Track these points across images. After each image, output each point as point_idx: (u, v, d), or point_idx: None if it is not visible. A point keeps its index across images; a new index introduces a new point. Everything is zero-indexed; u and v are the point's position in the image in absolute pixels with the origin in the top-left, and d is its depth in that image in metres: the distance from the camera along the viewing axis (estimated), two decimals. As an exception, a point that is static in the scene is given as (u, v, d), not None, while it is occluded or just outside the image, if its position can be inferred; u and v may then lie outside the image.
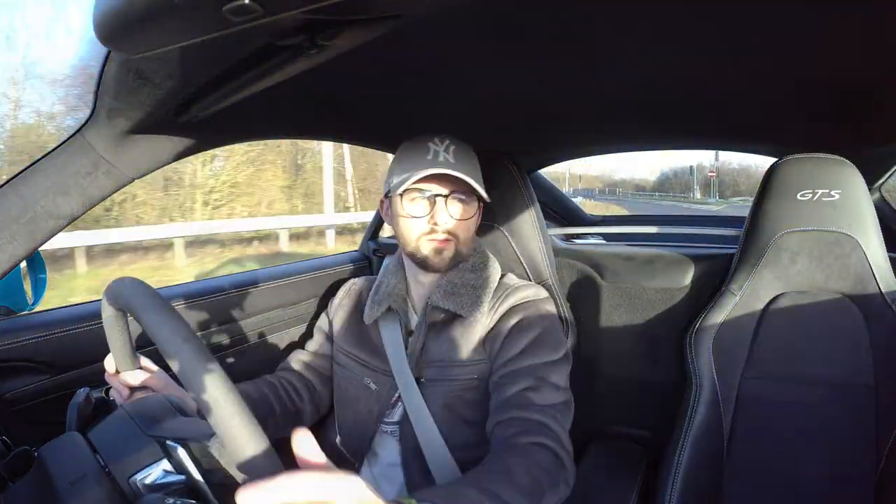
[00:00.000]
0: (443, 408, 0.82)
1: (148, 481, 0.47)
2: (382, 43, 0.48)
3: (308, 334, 1.13)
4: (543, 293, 0.89)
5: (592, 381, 1.28)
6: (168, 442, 0.48)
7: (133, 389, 0.66)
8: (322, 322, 1.01)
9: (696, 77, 0.69)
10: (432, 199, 0.80)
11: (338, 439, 0.91)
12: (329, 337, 0.98)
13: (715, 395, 1.00)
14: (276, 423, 0.86)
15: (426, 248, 0.82)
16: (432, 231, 0.81)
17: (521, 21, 0.51)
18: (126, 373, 0.64)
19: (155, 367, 0.69)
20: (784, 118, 0.90)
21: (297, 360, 0.97)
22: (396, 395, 0.86)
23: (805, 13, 0.49)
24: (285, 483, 0.35)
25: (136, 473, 0.47)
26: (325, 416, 0.98)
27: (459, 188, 0.81)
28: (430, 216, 0.80)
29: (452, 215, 0.81)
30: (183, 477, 0.47)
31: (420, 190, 0.80)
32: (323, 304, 1.05)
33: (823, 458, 0.93)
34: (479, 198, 0.85)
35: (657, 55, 0.61)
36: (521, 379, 0.77)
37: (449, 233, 0.81)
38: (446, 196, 0.80)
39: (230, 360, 1.11)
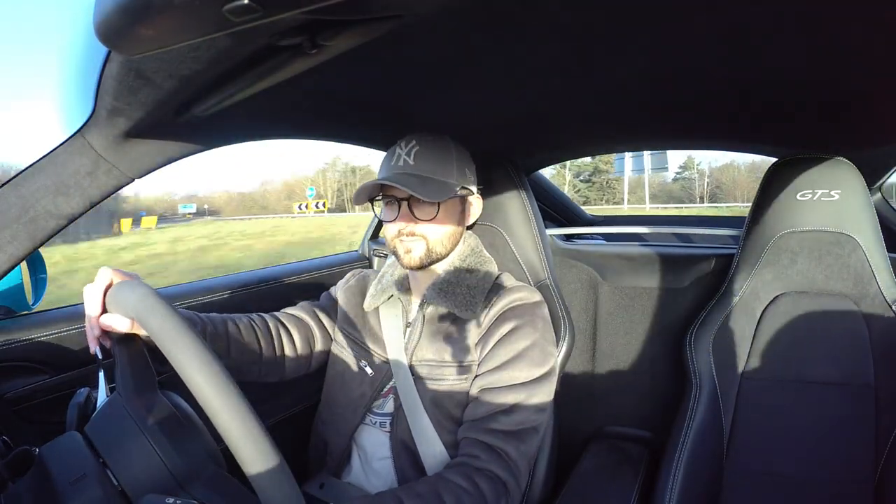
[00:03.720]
0: (430, 403, 0.82)
1: None
2: (382, 43, 0.48)
3: None
4: (537, 296, 0.89)
5: (592, 381, 1.28)
6: None
7: (111, 336, 0.61)
8: (332, 290, 1.02)
9: (695, 77, 0.69)
10: (397, 203, 0.83)
11: (325, 420, 0.92)
12: (336, 306, 0.99)
13: (715, 395, 1.00)
14: (258, 373, 0.87)
15: (399, 249, 0.85)
16: (400, 233, 0.83)
17: (520, 21, 0.51)
18: (113, 316, 0.59)
19: None
20: (784, 118, 0.90)
21: (308, 309, 0.97)
22: (390, 384, 0.86)
23: (805, 13, 0.49)
24: None
25: None
26: (311, 391, 0.98)
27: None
28: (396, 220, 0.83)
29: (418, 217, 0.82)
30: None
31: (386, 195, 0.83)
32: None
33: (823, 457, 0.93)
34: (464, 192, 0.86)
35: (657, 56, 0.61)
36: (497, 397, 0.78)
37: (415, 234, 0.83)
38: (407, 199, 0.82)
39: None
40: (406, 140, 0.84)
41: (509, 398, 0.78)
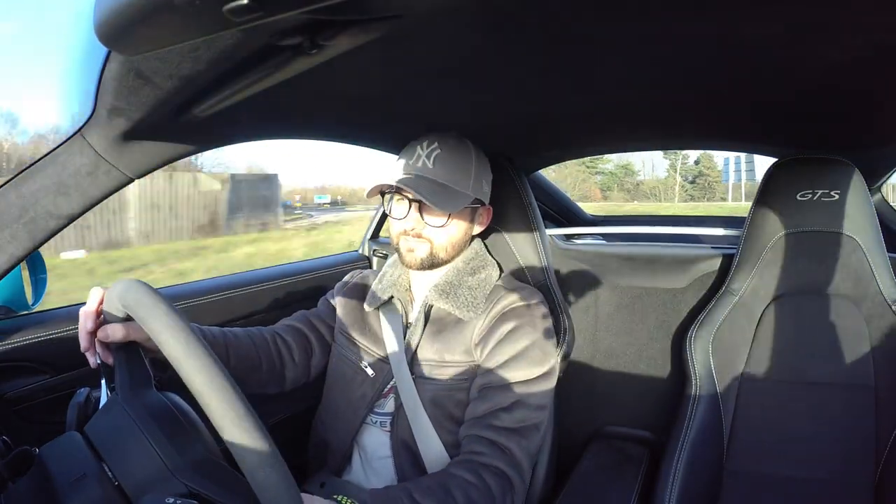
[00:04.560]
0: (430, 403, 0.83)
1: None
2: (382, 43, 0.48)
3: None
4: (537, 297, 0.90)
5: (592, 381, 1.28)
6: None
7: (111, 347, 0.62)
8: (329, 296, 1.02)
9: (696, 77, 0.69)
10: (408, 203, 0.83)
11: (325, 422, 0.92)
12: (334, 311, 0.99)
13: (714, 396, 1.00)
14: (258, 381, 0.88)
15: (402, 247, 0.85)
16: (406, 232, 0.84)
17: (521, 21, 0.51)
18: (108, 327, 0.61)
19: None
20: (784, 118, 0.90)
21: (304, 318, 0.98)
22: (391, 384, 0.86)
23: (805, 13, 0.49)
24: None
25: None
26: (310, 392, 0.98)
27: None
28: (406, 219, 0.83)
29: (427, 221, 0.83)
30: None
31: (399, 192, 0.83)
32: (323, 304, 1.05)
33: (823, 458, 0.93)
34: (478, 202, 0.86)
35: (657, 55, 0.61)
36: (498, 395, 0.78)
37: (422, 236, 0.83)
38: (419, 201, 0.82)
39: None
40: (428, 141, 0.84)
41: (510, 396, 0.78)
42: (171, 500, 0.45)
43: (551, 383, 0.84)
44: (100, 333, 0.61)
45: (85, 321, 0.62)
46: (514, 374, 0.80)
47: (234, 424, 0.42)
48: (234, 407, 0.42)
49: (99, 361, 0.63)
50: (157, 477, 0.49)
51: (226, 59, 0.49)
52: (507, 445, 0.75)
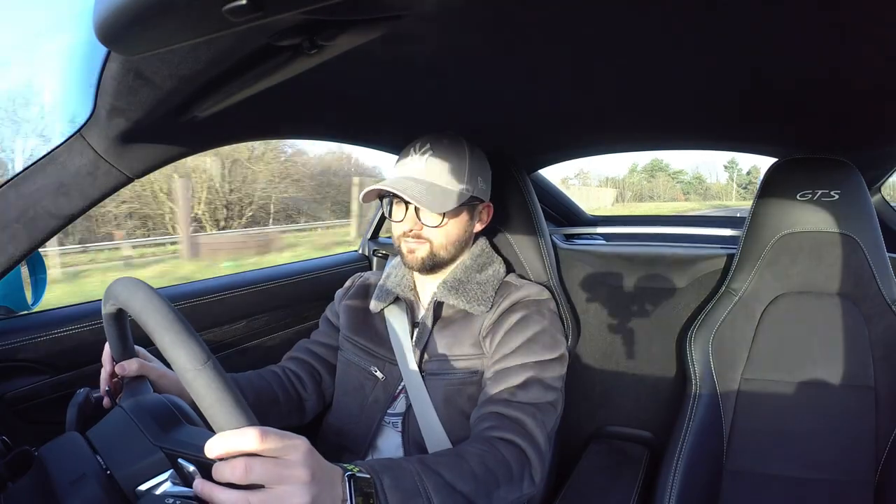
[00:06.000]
0: (442, 401, 0.83)
1: (157, 492, 0.47)
2: (382, 43, 0.48)
3: (310, 332, 1.14)
4: (545, 293, 0.90)
5: (592, 381, 1.28)
6: (180, 460, 0.49)
7: (123, 381, 0.67)
8: (329, 312, 1.02)
9: (695, 77, 0.69)
10: (405, 205, 0.83)
11: (339, 429, 0.92)
12: (335, 326, 0.99)
13: (714, 396, 1.00)
14: (279, 413, 0.88)
15: (403, 248, 0.86)
16: (405, 234, 0.84)
17: (521, 21, 0.51)
18: (122, 362, 0.66)
19: (151, 357, 0.71)
20: (784, 118, 0.90)
21: (304, 348, 0.99)
22: (401, 385, 0.87)
23: (805, 13, 0.49)
24: (250, 434, 0.43)
25: (142, 483, 0.47)
26: (327, 406, 0.99)
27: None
28: (404, 221, 0.84)
29: (424, 222, 0.83)
30: (192, 491, 0.47)
31: (396, 195, 0.83)
32: (323, 304, 1.06)
33: (823, 458, 0.93)
34: (474, 200, 0.87)
35: (657, 55, 0.61)
36: (511, 376, 0.79)
37: (421, 237, 0.84)
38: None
39: (231, 360, 1.11)
40: (421, 142, 0.84)
41: (523, 376, 0.79)
42: (172, 501, 0.45)
43: (563, 368, 0.85)
44: (118, 368, 0.66)
45: (105, 364, 0.68)
46: (526, 358, 0.80)
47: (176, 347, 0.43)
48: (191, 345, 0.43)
49: (108, 390, 0.67)
50: (139, 450, 0.50)
51: (226, 60, 0.49)
52: (519, 419, 0.75)
